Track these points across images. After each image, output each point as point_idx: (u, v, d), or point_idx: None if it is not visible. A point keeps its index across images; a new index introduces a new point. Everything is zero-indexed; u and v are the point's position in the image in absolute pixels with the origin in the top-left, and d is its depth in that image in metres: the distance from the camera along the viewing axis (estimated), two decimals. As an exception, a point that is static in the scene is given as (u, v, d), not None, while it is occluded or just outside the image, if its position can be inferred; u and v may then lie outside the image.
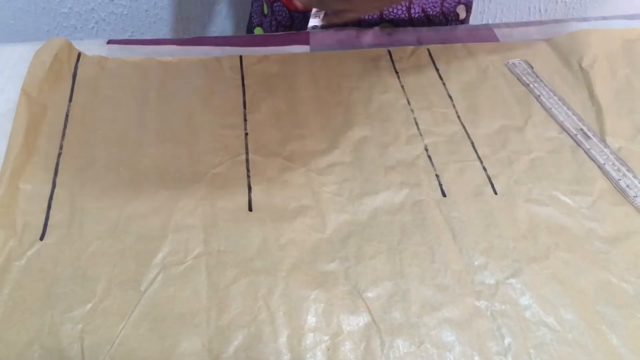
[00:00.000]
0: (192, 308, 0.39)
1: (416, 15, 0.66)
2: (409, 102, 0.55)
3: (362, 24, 0.67)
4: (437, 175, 0.49)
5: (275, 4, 0.71)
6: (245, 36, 0.63)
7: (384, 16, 0.66)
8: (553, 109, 0.55)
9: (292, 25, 0.71)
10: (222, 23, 1.06)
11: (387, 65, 0.59)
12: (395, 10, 0.65)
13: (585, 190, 0.48)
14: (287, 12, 0.70)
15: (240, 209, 0.45)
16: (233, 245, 0.43)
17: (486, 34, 0.65)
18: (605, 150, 0.51)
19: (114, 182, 0.46)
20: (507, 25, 0.67)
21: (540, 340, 0.38)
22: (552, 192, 0.47)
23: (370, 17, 0.66)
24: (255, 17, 0.78)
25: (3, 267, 0.40)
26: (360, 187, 0.47)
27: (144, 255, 0.42)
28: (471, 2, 0.72)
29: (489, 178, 0.49)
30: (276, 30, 0.72)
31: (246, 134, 0.51)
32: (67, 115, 0.51)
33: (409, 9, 0.66)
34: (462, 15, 0.71)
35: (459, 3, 0.70)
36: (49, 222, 0.43)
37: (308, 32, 0.64)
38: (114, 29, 1.00)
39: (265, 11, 0.74)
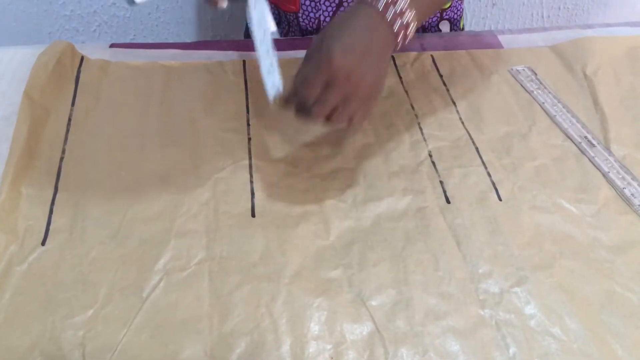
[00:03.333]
0: (194, 315, 0.38)
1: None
2: (412, 108, 0.55)
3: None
4: (441, 182, 0.48)
5: None
6: (248, 41, 0.63)
7: None
8: (557, 116, 0.55)
9: (281, 25, 0.70)
10: (223, 27, 1.06)
11: (391, 70, 0.59)
12: None
13: (589, 199, 0.47)
14: (277, 12, 0.69)
15: (243, 214, 0.45)
16: (236, 251, 0.42)
17: (490, 40, 0.65)
18: (610, 158, 0.51)
19: (117, 186, 0.46)
20: (511, 31, 0.66)
21: (546, 350, 0.38)
22: (556, 199, 0.47)
23: None
24: None
25: (4, 271, 0.40)
26: (364, 193, 0.47)
27: (146, 261, 0.41)
28: (457, 19, 0.71)
29: (494, 184, 0.48)
30: None
31: (249, 139, 0.51)
32: (69, 119, 0.51)
33: None
34: (446, 30, 0.71)
35: (442, 19, 0.69)
36: (51, 227, 0.43)
37: (312, 37, 0.64)
38: (116, 32, 1.00)
39: None
